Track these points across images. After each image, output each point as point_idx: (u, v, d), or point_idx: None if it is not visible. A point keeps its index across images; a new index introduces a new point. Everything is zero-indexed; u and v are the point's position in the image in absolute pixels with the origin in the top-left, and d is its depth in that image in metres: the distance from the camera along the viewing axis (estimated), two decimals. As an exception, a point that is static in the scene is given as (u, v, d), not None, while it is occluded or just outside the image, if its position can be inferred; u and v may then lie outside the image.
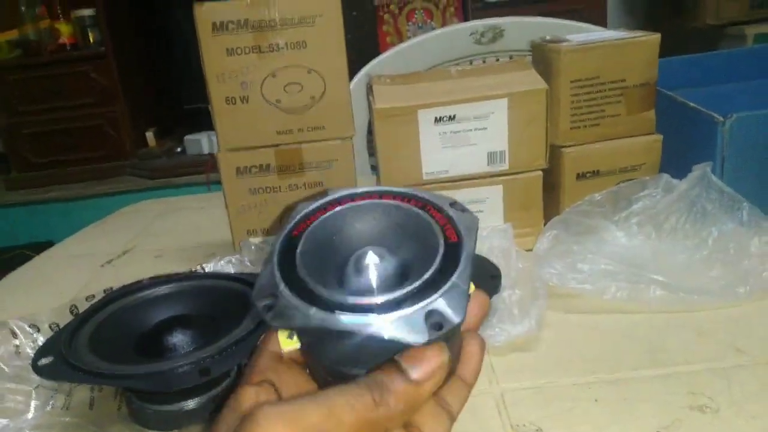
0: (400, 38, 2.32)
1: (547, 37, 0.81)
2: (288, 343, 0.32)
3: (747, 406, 0.49)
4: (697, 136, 0.79)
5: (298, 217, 0.34)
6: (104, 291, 0.62)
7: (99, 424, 0.51)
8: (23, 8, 2.23)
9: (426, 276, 0.29)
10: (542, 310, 0.61)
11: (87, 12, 2.20)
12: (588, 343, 0.59)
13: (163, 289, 0.57)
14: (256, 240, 0.77)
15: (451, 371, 0.33)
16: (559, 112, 0.78)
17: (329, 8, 0.72)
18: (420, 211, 0.33)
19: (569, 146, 0.79)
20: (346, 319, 0.28)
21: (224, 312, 0.55)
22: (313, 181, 0.77)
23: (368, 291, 0.31)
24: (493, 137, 0.75)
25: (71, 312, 0.61)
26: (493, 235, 0.76)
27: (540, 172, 0.78)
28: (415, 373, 0.28)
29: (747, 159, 0.74)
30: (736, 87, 1.04)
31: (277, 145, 0.76)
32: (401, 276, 0.32)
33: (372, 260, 0.32)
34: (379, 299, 0.29)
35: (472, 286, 0.31)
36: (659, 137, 0.79)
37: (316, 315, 0.28)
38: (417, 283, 0.29)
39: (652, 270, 0.69)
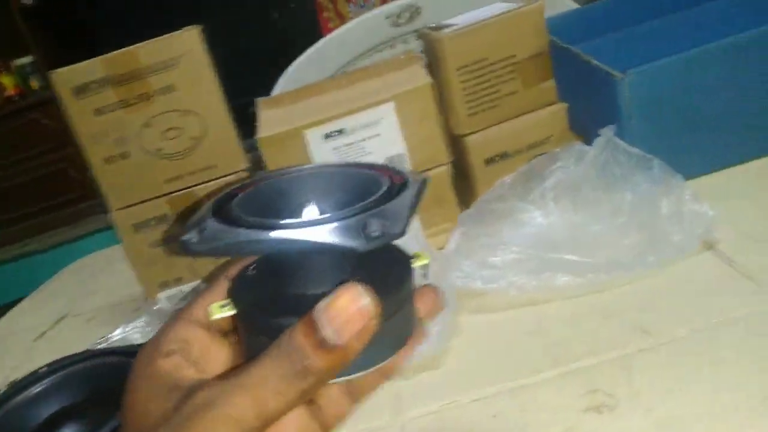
0: (343, 22, 2.27)
1: (431, 24, 0.78)
2: (220, 311, 0.29)
3: (645, 397, 0.47)
4: (601, 95, 0.75)
5: (235, 186, 0.31)
6: (8, 385, 0.61)
7: None
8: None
9: (366, 202, 0.27)
10: (449, 322, 0.59)
11: (26, 60, 2.17)
12: (493, 349, 0.57)
13: (55, 378, 0.56)
14: (169, 291, 0.76)
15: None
16: (454, 101, 0.75)
17: (191, 46, 0.69)
18: (365, 170, 0.31)
19: (471, 134, 0.76)
20: (277, 235, 0.26)
21: (113, 394, 0.54)
22: (217, 221, 0.75)
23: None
24: (388, 142, 0.73)
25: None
26: (406, 240, 0.74)
27: (445, 167, 0.75)
28: (338, 338, 0.25)
29: (652, 115, 0.71)
30: (653, 26, 1.00)
31: (169, 194, 0.74)
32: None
33: (313, 202, 0.31)
34: (314, 219, 0.27)
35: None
36: (563, 106, 0.76)
37: (245, 234, 0.26)
38: (356, 207, 0.27)
39: (567, 248, 0.66)
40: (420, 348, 0.56)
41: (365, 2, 2.29)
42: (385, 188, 0.29)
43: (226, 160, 0.73)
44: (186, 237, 0.27)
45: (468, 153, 0.76)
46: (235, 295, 0.30)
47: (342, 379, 0.27)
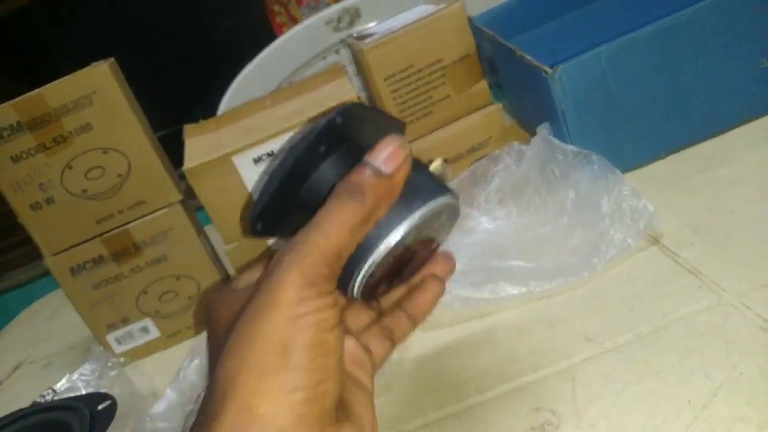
0: (293, 20, 2.23)
1: (354, 34, 0.76)
2: None
3: (587, 412, 0.45)
4: (539, 90, 0.73)
5: None
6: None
7: None
8: None
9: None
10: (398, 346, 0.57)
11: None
12: (441, 368, 0.56)
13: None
14: (117, 332, 0.74)
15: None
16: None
17: (102, 82, 0.66)
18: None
19: (409, 143, 0.74)
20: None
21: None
22: (155, 258, 0.73)
23: None
24: (322, 160, 0.70)
25: None
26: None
27: (385, 179, 0.73)
28: (385, 166, 0.32)
29: (587, 108, 0.69)
30: (594, 8, 0.98)
31: (102, 234, 0.71)
32: None
33: None
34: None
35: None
36: (498, 107, 0.74)
37: None
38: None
39: (513, 254, 0.65)
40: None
41: (317, 3, 2.25)
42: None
43: (156, 195, 0.71)
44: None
45: (407, 163, 0.74)
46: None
47: (393, 236, 0.33)
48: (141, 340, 0.76)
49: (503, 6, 1.00)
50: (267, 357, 0.29)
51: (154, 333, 0.76)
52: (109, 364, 0.66)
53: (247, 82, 1.23)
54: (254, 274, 0.34)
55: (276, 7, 2.40)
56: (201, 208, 0.70)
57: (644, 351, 0.48)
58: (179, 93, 1.59)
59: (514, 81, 0.86)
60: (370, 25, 1.23)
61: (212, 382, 0.30)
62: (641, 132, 0.70)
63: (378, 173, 0.32)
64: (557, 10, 1.01)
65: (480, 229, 0.72)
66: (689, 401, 0.42)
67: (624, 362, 0.48)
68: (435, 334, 0.60)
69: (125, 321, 0.75)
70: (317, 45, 1.25)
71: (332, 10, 1.25)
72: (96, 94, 0.66)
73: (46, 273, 0.73)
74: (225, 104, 1.16)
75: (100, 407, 0.55)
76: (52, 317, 1.03)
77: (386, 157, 0.33)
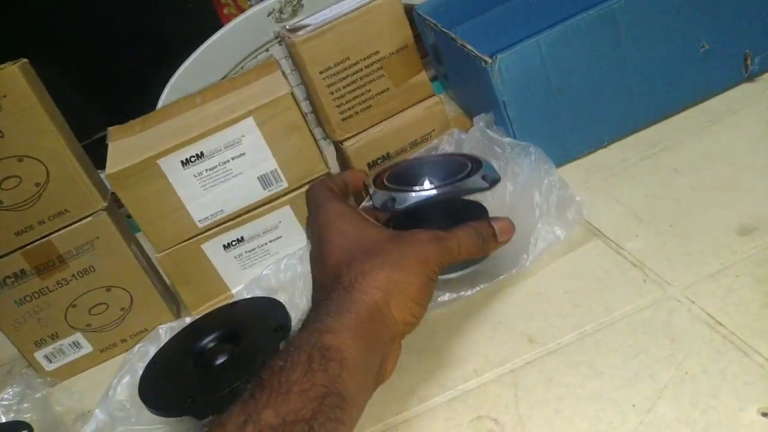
0: (240, 10, 2.16)
1: (287, 26, 0.72)
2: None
3: (530, 420, 0.43)
4: (479, 80, 0.71)
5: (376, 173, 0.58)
6: None
7: None
8: None
9: (467, 171, 0.54)
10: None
11: None
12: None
13: None
14: (46, 350, 0.69)
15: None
16: (324, 107, 0.69)
17: (12, 86, 0.61)
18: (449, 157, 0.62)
19: (348, 138, 0.71)
20: (441, 189, 0.53)
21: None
22: (82, 269, 0.68)
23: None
24: (256, 160, 0.67)
25: None
26: (293, 264, 0.68)
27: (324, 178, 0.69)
28: (502, 237, 0.53)
29: (527, 98, 0.67)
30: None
31: (22, 247, 0.66)
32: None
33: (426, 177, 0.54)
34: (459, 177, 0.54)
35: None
36: (438, 99, 0.72)
37: (417, 193, 0.53)
38: (465, 173, 0.54)
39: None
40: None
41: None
42: (469, 164, 0.55)
43: (79, 203, 0.66)
44: (382, 204, 0.54)
45: (348, 159, 0.71)
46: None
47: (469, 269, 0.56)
48: (73, 356, 0.71)
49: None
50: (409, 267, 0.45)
51: (87, 348, 0.71)
52: (34, 386, 0.61)
53: (188, 77, 1.17)
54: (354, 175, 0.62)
55: (222, -3, 2.33)
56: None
57: (588, 351, 0.46)
58: (120, 91, 1.51)
59: (457, 71, 0.83)
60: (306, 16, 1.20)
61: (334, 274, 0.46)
62: (583, 120, 0.69)
63: (497, 237, 0.52)
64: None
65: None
66: (634, 405, 0.41)
67: (567, 364, 0.46)
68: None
69: (54, 337, 0.70)
70: (259, 37, 1.20)
71: (273, 1, 1.21)
72: (5, 99, 0.61)
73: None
74: (163, 101, 1.11)
75: (18, 437, 0.51)
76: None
77: (506, 231, 0.53)
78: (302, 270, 0.67)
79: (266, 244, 0.70)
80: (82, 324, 0.70)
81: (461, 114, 0.86)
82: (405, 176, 0.57)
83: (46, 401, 0.58)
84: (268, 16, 1.20)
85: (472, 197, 0.59)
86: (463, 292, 0.57)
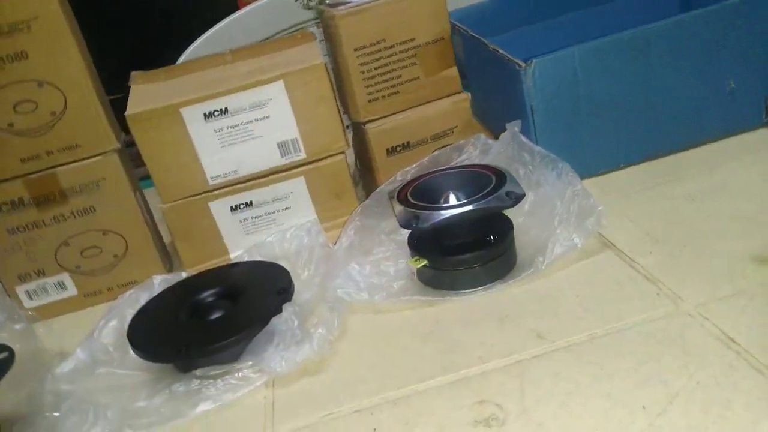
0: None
1: (327, 1, 0.72)
2: (416, 263, 0.56)
3: (536, 410, 0.42)
4: (508, 85, 0.72)
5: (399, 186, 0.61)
6: None
7: None
8: None
9: (491, 186, 0.56)
10: (335, 323, 0.53)
11: None
12: (382, 354, 0.52)
13: None
14: (29, 285, 0.67)
15: None
16: (352, 85, 0.69)
17: (45, 8, 0.60)
18: (474, 169, 0.62)
19: (372, 121, 0.71)
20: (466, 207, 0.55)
21: None
22: (82, 208, 0.66)
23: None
24: (279, 126, 0.66)
25: None
26: (299, 235, 0.68)
27: (342, 155, 0.69)
28: None
29: (556, 105, 0.68)
30: (572, 18, 0.98)
31: (24, 175, 0.64)
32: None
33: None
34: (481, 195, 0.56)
35: None
36: (466, 96, 0.72)
37: (443, 212, 0.55)
38: (489, 188, 0.56)
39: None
40: (297, 354, 0.50)
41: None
42: (494, 178, 0.57)
43: (92, 139, 0.64)
44: (405, 222, 0.56)
45: (369, 142, 0.71)
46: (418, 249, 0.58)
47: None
48: (55, 297, 0.69)
49: (476, 6, 0.98)
50: None
51: (71, 290, 0.69)
52: (15, 317, 0.59)
53: (207, 46, 1.16)
54: None
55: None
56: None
57: (598, 353, 0.46)
58: (133, 56, 1.49)
59: (481, 77, 0.84)
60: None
61: None
62: (605, 138, 0.69)
63: None
64: (528, 17, 1.00)
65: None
66: (644, 407, 0.40)
67: (576, 363, 0.46)
68: (379, 318, 0.57)
69: (40, 273, 0.68)
70: (284, 20, 1.20)
71: (303, -14, 1.21)
72: (36, 21, 0.59)
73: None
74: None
75: (-4, 358, 0.48)
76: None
77: None
78: (308, 242, 0.66)
79: (274, 212, 0.69)
80: (72, 265, 0.68)
81: (475, 122, 0.86)
82: (429, 191, 0.59)
83: (31, 332, 0.56)
84: (295, 1, 1.20)
85: None
86: (473, 289, 0.56)
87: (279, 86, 0.64)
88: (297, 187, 0.69)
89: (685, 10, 0.93)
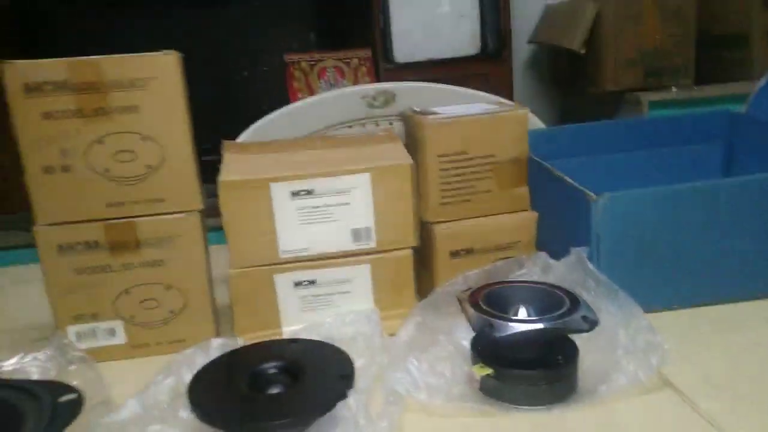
0: (312, 95, 2.27)
1: (416, 108, 0.77)
2: (481, 371, 0.57)
3: None
4: (574, 214, 0.75)
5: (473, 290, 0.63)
6: None
7: None
8: None
9: (566, 308, 0.58)
10: (395, 418, 0.53)
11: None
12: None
13: None
14: (81, 326, 0.67)
15: None
16: (429, 187, 0.72)
17: (165, 71, 0.64)
18: (548, 288, 0.63)
19: (440, 222, 0.73)
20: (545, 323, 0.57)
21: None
22: (152, 260, 0.68)
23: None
24: (357, 213, 0.68)
25: None
26: (358, 321, 0.69)
27: (410, 251, 0.71)
28: None
29: (622, 238, 0.70)
30: (621, 157, 1.03)
31: (106, 219, 0.66)
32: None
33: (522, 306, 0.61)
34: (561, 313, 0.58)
35: None
36: (534, 215, 0.75)
37: (521, 326, 0.56)
38: (564, 310, 0.58)
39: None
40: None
41: (336, 83, 2.31)
42: (567, 300, 0.59)
43: (179, 196, 0.67)
44: (480, 328, 0.57)
45: (435, 241, 0.73)
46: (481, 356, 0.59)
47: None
48: (103, 342, 0.69)
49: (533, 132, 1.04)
50: None
51: (120, 339, 0.69)
52: (71, 357, 0.59)
53: (270, 127, 1.22)
54: None
55: (297, 73, 2.46)
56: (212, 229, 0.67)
57: (668, 491, 0.46)
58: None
59: (542, 199, 0.87)
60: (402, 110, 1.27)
61: None
62: (663, 277, 0.72)
63: None
64: (581, 148, 1.06)
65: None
66: None
67: (646, 498, 0.45)
68: (435, 422, 0.57)
69: (95, 317, 0.68)
70: (347, 113, 1.27)
71: (370, 87, 1.28)
72: (155, 80, 0.64)
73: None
74: (243, 139, 1.14)
75: (61, 399, 0.48)
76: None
77: None
78: (366, 330, 0.67)
79: (334, 294, 0.70)
80: (128, 313, 0.69)
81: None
82: (501, 301, 0.60)
83: (94, 371, 0.55)
84: (362, 98, 1.27)
85: None
86: (535, 407, 0.57)
87: (365, 178, 0.67)
88: (361, 273, 0.70)
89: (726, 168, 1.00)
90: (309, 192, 0.67)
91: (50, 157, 0.63)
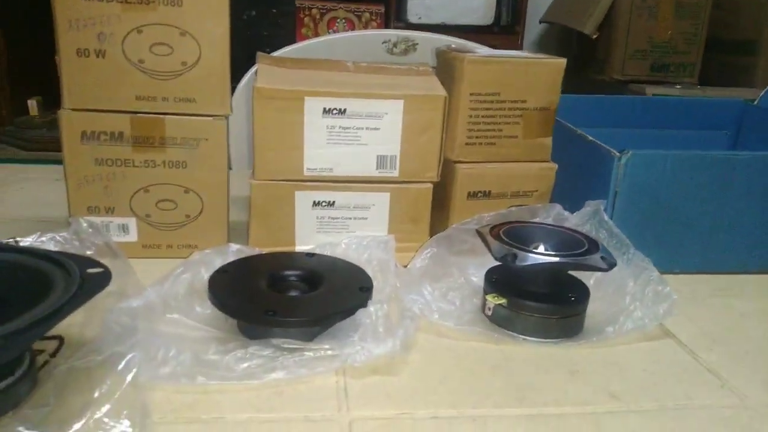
0: (316, 35, 2.25)
1: (453, 45, 0.76)
2: (495, 300, 0.59)
3: (613, 458, 0.44)
4: (593, 170, 0.76)
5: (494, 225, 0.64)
6: None
7: None
8: None
9: (585, 248, 0.59)
10: (411, 331, 0.54)
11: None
12: (455, 373, 0.53)
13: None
14: (95, 219, 0.66)
15: None
16: (457, 125, 0.73)
17: (213, -33, 0.63)
18: (566, 231, 0.65)
19: (463, 162, 0.74)
20: (566, 258, 0.59)
21: (18, 294, 0.44)
22: (175, 160, 0.67)
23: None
24: (384, 140, 0.69)
25: None
26: (374, 245, 0.69)
27: (430, 185, 0.72)
28: None
29: (638, 196, 0.72)
30: (631, 132, 1.05)
31: (134, 112, 0.65)
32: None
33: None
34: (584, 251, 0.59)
35: None
36: (554, 166, 0.76)
37: (542, 258, 0.58)
38: (584, 249, 0.59)
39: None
40: (377, 348, 0.50)
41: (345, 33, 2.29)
42: (586, 242, 0.61)
43: (208, 99, 0.66)
44: (501, 257, 0.58)
45: (455, 180, 0.74)
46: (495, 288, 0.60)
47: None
48: (114, 238, 0.68)
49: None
50: None
51: (132, 236, 0.69)
52: (89, 243, 0.58)
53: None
54: None
55: (306, 20, 2.42)
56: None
57: (671, 422, 0.48)
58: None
59: (556, 158, 0.88)
60: (421, 60, 1.26)
61: None
62: (671, 240, 0.74)
63: None
64: (592, 120, 1.07)
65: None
66: (722, 478, 0.42)
67: (651, 427, 0.47)
68: (447, 342, 0.58)
69: (109, 211, 0.68)
70: (367, 56, 1.26)
71: (392, 33, 1.28)
72: (201, -25, 0.62)
73: None
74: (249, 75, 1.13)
75: (90, 270, 0.47)
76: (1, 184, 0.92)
77: None
78: (380, 255, 0.68)
79: (350, 219, 0.71)
80: (143, 212, 0.68)
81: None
82: (521, 237, 0.61)
83: (124, 261, 0.55)
84: (382, 43, 1.26)
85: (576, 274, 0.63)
86: (544, 339, 0.58)
87: (398, 105, 0.67)
88: (380, 200, 0.71)
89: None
90: (341, 111, 0.67)
91: (86, 39, 0.62)
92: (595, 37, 2.10)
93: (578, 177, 0.81)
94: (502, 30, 2.22)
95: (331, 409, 0.47)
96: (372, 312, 0.54)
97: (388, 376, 0.51)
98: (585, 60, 2.25)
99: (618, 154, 0.71)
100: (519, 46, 2.29)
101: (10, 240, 0.57)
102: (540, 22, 2.42)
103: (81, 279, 0.46)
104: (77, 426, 0.41)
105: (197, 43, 0.64)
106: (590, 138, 0.78)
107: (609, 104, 1.11)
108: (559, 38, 2.49)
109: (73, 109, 0.64)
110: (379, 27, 2.29)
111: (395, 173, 0.70)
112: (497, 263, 0.59)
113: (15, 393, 0.43)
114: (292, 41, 2.33)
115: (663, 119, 1.09)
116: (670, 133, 1.08)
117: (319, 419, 0.46)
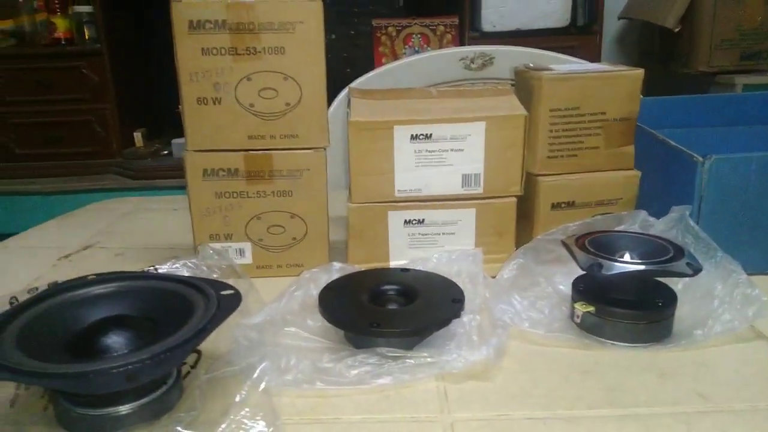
0: (395, 57, 2.33)
1: (531, 64, 0.80)
2: (583, 308, 0.62)
3: (703, 455, 0.46)
4: (677, 176, 0.78)
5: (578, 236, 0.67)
6: (48, 285, 0.59)
7: (18, 424, 0.47)
8: (21, -1, 2.22)
9: (671, 255, 0.62)
10: (503, 339, 0.59)
11: (84, 8, 2.18)
12: (547, 377, 0.57)
13: (105, 287, 0.55)
14: (216, 245, 0.75)
15: None
16: (537, 140, 0.76)
17: (311, 16, 0.70)
18: (650, 238, 0.68)
19: (545, 175, 0.78)
20: (650, 266, 0.61)
21: (166, 316, 0.52)
22: (282, 190, 0.75)
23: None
24: (469, 159, 0.74)
25: (10, 304, 0.58)
26: (462, 259, 0.74)
27: (514, 199, 0.76)
28: None
29: (724, 200, 0.73)
30: (718, 131, 1.04)
31: (247, 150, 0.73)
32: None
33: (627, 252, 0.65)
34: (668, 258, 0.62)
35: None
36: (637, 173, 0.78)
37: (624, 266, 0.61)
38: (669, 256, 0.62)
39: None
40: (472, 355, 0.55)
41: (421, 49, 2.35)
42: (671, 248, 0.63)
43: (309, 134, 0.74)
44: (588, 266, 0.61)
45: (538, 193, 0.78)
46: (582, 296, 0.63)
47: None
48: (233, 261, 0.77)
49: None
50: None
51: (248, 259, 0.77)
52: (222, 264, 0.67)
53: (366, 87, 1.28)
54: None
55: (383, 38, 2.51)
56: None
57: (765, 422, 0.50)
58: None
59: (639, 165, 0.90)
60: (499, 75, 1.30)
61: None
62: (761, 243, 0.74)
63: None
64: (676, 121, 1.07)
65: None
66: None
67: (743, 427, 0.49)
68: (538, 348, 0.62)
69: (228, 237, 0.76)
70: (444, 74, 1.31)
71: (468, 49, 1.32)
72: (301, 25, 0.70)
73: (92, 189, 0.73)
74: (337, 101, 1.20)
75: (223, 293, 0.55)
76: (123, 218, 1.04)
77: None
78: (468, 267, 0.73)
79: (439, 234, 0.76)
80: (257, 237, 0.77)
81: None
82: (606, 246, 0.64)
83: (249, 282, 0.63)
84: (459, 60, 1.31)
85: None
86: (632, 344, 0.61)
87: (480, 126, 0.72)
88: (467, 216, 0.76)
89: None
90: (428, 136, 0.72)
91: (204, 89, 0.71)
92: (677, 30, 2.05)
93: (663, 182, 0.82)
94: (580, 30, 2.21)
95: (434, 411, 0.52)
96: (465, 322, 0.59)
97: (484, 381, 0.56)
98: (669, 54, 2.20)
99: (701, 159, 0.73)
100: (598, 46, 2.26)
101: (150, 268, 0.67)
102: (619, 19, 2.38)
103: (217, 300, 0.54)
104: (223, 426, 0.48)
105: (298, 85, 0.72)
106: (673, 143, 0.79)
107: (693, 103, 1.10)
108: (640, 34, 2.44)
109: (196, 150, 0.73)
110: (453, 39, 2.33)
111: (480, 190, 0.75)
112: (583, 272, 0.63)
113: (169, 399, 0.51)
114: (371, 60, 2.43)
115: (752, 115, 1.07)
116: (761, 130, 1.07)
117: (423, 420, 0.51)
